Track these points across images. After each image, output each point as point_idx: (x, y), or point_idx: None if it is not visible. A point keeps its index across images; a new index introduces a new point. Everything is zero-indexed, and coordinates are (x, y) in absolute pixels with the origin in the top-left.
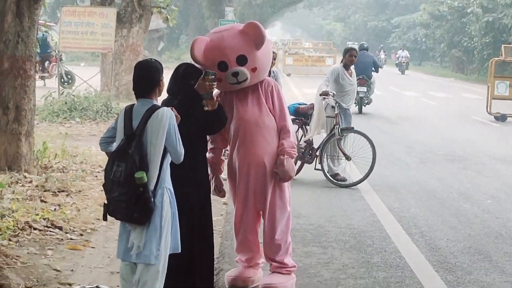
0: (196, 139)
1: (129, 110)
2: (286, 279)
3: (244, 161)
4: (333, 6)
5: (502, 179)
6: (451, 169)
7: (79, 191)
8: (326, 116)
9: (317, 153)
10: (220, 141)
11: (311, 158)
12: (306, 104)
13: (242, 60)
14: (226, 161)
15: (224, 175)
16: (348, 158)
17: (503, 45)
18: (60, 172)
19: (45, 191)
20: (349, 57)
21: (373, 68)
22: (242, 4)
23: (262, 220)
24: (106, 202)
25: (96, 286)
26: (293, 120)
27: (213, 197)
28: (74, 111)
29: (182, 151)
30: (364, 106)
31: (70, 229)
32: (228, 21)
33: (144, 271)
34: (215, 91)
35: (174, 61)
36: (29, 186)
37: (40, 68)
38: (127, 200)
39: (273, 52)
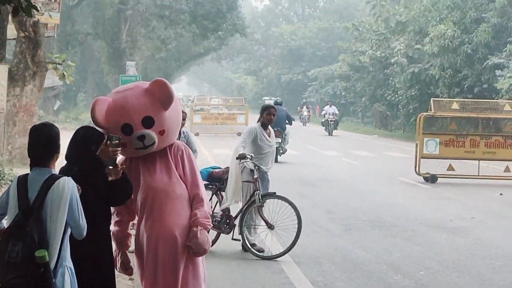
0: (98, 212)
1: (23, 181)
2: None
3: (152, 234)
4: (243, 58)
5: (434, 247)
6: (378, 236)
7: None
8: (243, 181)
9: (235, 222)
10: (126, 213)
11: (228, 228)
12: (220, 167)
13: (148, 122)
14: (133, 235)
15: (131, 249)
16: (270, 227)
17: (432, 99)
18: None
19: None
20: (267, 115)
21: (286, 121)
22: (144, 58)
23: None
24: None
25: None
26: (206, 186)
27: (118, 273)
28: None
29: (85, 225)
30: (280, 155)
31: None
32: (129, 76)
33: None
34: (119, 158)
35: (72, 121)
36: None
37: None
38: (26, 283)
39: (183, 112)
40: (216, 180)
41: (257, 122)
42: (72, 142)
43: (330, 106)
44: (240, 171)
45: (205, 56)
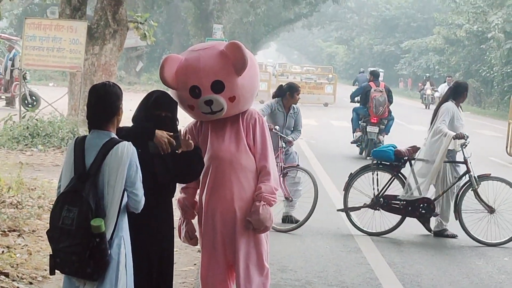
0: (160, 181)
1: (80, 144)
2: None
3: (210, 205)
4: (335, 26)
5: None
6: (464, 218)
7: (33, 231)
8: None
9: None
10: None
11: (428, 213)
12: (395, 146)
13: (218, 86)
14: None
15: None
16: (492, 210)
17: None
18: (14, 208)
19: None
20: (466, 94)
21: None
22: (232, 22)
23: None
24: (51, 253)
25: None
26: (387, 166)
27: (187, 245)
28: (36, 137)
29: (143, 196)
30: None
31: (18, 276)
32: (216, 40)
33: None
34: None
35: (153, 84)
36: None
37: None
38: (80, 253)
39: (297, 88)
40: (399, 160)
41: (451, 101)
42: (142, 104)
43: (449, 84)
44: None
45: (296, 23)
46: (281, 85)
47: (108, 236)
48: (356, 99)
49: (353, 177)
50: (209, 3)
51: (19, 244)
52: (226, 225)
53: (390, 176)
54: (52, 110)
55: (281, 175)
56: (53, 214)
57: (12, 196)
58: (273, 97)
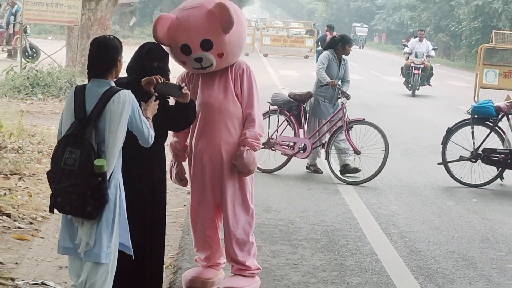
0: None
1: (81, 91)
2: (249, 282)
3: (199, 148)
4: None
5: (490, 176)
6: (435, 162)
7: (33, 174)
8: None
9: None
10: None
11: None
12: (490, 102)
13: (207, 45)
14: None
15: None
16: None
17: (493, 31)
18: (15, 152)
19: None
20: None
21: None
22: None
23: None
24: (52, 192)
25: (41, 282)
26: (480, 120)
27: (177, 186)
28: (36, 87)
29: (149, 132)
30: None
31: (19, 216)
32: None
33: (93, 271)
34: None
35: (146, 38)
36: None
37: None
38: (82, 192)
39: (350, 39)
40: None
41: None
42: (136, 55)
43: (420, 39)
44: None
45: None
46: (334, 37)
47: (107, 177)
48: (319, 44)
49: (451, 131)
50: None
51: (20, 186)
52: (214, 167)
53: (487, 130)
54: (51, 62)
55: (346, 129)
56: (55, 156)
57: (14, 142)
58: (325, 48)
